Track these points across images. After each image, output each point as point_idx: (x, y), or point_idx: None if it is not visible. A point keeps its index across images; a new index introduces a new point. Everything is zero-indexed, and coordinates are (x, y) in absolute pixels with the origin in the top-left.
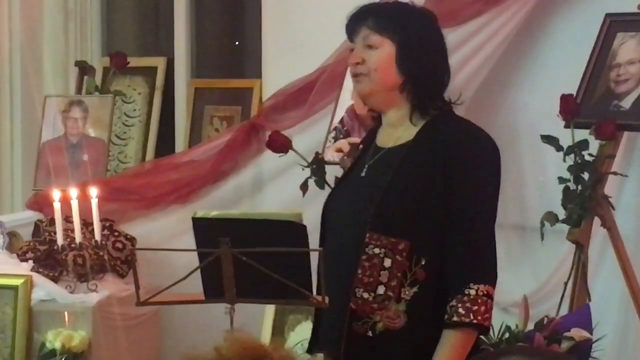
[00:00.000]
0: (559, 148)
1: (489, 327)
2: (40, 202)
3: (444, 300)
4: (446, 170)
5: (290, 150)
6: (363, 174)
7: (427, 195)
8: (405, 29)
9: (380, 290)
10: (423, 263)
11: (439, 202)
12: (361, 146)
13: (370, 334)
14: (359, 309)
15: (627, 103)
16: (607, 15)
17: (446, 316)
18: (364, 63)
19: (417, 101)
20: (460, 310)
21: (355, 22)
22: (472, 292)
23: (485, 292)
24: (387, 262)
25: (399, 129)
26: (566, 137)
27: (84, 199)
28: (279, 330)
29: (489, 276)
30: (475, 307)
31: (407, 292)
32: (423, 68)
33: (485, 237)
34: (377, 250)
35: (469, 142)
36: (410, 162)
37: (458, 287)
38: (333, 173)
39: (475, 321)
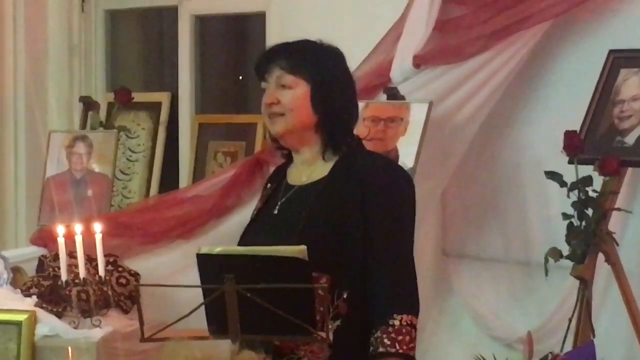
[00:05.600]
0: (562, 184)
1: (414, 357)
2: (44, 238)
3: (366, 333)
4: (364, 202)
5: None
6: (276, 212)
7: (346, 229)
8: (318, 68)
9: None
10: (345, 296)
11: (358, 234)
12: (269, 185)
13: None
14: (283, 345)
15: (630, 139)
16: (611, 51)
17: (371, 348)
18: (279, 103)
19: (330, 138)
20: (386, 340)
21: (267, 62)
22: (397, 322)
23: (409, 322)
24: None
25: (311, 167)
26: (570, 173)
27: (88, 235)
28: None
29: (412, 306)
30: (400, 337)
31: (329, 326)
32: (336, 106)
33: (406, 268)
34: None
35: (385, 174)
36: (327, 197)
37: (382, 318)
38: None
39: (400, 351)
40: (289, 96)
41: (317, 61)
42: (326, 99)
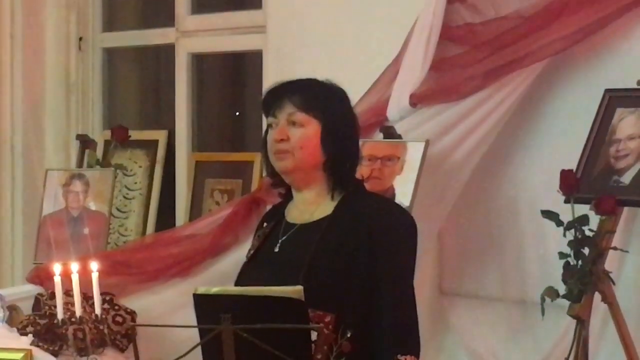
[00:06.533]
0: (559, 223)
1: None
2: (40, 276)
3: None
4: (371, 243)
5: None
6: (277, 250)
7: (352, 268)
8: (330, 108)
9: None
10: (349, 335)
11: (364, 274)
12: (265, 224)
13: None
14: None
15: (627, 178)
16: (607, 90)
17: None
18: (289, 140)
19: (337, 178)
20: None
21: (278, 98)
22: None
23: None
24: (313, 335)
25: (313, 205)
26: (566, 212)
27: (85, 273)
28: None
29: (415, 347)
30: None
31: None
32: (345, 147)
33: (410, 309)
34: None
35: (392, 217)
36: (332, 236)
37: (386, 358)
38: None
39: None
40: (300, 134)
41: (329, 101)
42: (336, 139)
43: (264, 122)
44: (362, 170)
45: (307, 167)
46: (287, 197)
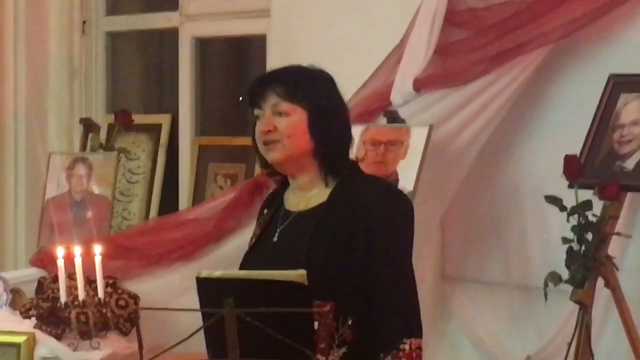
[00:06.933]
0: (562, 208)
1: None
2: (43, 259)
3: (373, 359)
4: (367, 228)
5: None
6: (275, 239)
7: (350, 255)
8: (315, 95)
9: None
10: (350, 323)
11: (362, 260)
12: (266, 210)
13: None
14: None
15: (630, 164)
16: (611, 76)
17: None
18: (276, 130)
19: (329, 164)
20: None
21: (262, 89)
22: (406, 347)
23: (417, 346)
24: (315, 325)
25: (309, 193)
26: (570, 197)
27: (88, 257)
28: None
29: (419, 330)
30: None
31: (335, 354)
32: (333, 132)
33: (411, 293)
34: None
35: (386, 199)
36: (329, 223)
37: (391, 342)
38: None
39: None
40: (286, 123)
41: (313, 87)
42: (323, 125)
43: None
44: (362, 153)
45: (297, 155)
46: (284, 183)
